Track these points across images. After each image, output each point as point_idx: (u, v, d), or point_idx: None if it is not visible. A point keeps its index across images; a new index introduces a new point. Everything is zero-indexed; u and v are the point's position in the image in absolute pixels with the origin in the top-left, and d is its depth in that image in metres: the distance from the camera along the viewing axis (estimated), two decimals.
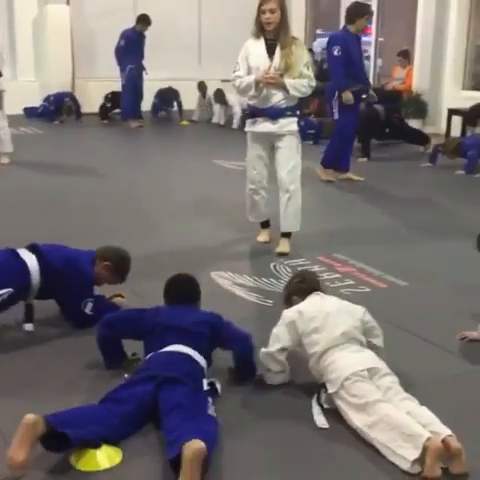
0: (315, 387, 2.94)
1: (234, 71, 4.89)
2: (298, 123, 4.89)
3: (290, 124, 4.85)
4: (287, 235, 5.05)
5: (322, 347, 2.89)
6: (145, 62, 11.24)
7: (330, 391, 2.81)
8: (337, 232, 5.59)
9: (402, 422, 2.55)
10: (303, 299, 3.13)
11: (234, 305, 3.96)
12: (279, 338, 2.99)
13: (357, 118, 7.43)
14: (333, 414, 2.81)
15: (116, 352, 3.17)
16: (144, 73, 11.23)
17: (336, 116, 7.27)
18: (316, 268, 4.60)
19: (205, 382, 2.83)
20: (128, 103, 11.28)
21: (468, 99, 9.78)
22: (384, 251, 5.09)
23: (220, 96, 11.48)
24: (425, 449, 2.44)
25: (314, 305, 3.05)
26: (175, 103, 12.15)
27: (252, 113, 4.94)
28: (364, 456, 2.58)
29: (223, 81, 12.46)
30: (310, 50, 13.21)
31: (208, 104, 12.12)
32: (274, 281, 4.43)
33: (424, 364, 3.27)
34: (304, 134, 5.63)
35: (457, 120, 9.98)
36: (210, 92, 11.89)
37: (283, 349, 3.00)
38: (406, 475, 2.45)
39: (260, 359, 3.06)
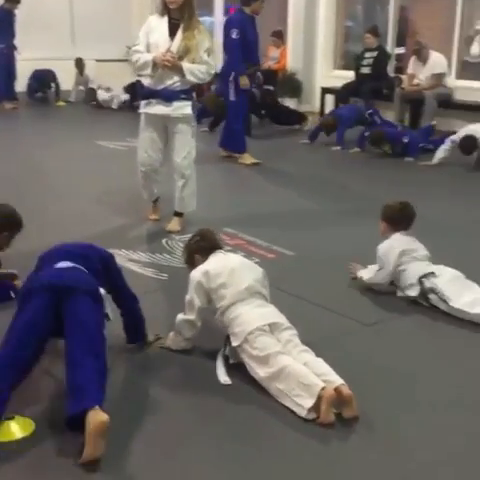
0: (217, 350, 3.13)
1: (133, 45, 4.89)
2: (192, 107, 4.91)
3: (184, 107, 4.85)
4: (179, 214, 5.16)
5: (228, 301, 3.05)
6: (16, 42, 10.96)
7: (234, 344, 2.99)
8: (227, 209, 5.77)
9: (300, 372, 2.78)
10: (205, 257, 3.25)
11: (131, 280, 3.99)
12: (193, 303, 3.13)
13: (250, 99, 7.60)
14: (235, 371, 3.01)
15: None
16: (16, 53, 10.97)
17: (232, 97, 7.33)
18: None
19: (101, 290, 2.90)
20: (1, 84, 10.98)
21: (340, 78, 10.28)
22: (272, 225, 5.31)
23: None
24: (320, 397, 2.67)
25: (218, 262, 3.18)
26: (52, 84, 11.94)
27: (146, 94, 4.92)
28: (265, 407, 2.79)
29: (98, 61, 12.39)
30: None
31: (85, 82, 12.04)
32: (167, 256, 4.58)
33: (313, 324, 3.50)
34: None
35: (330, 98, 10.43)
36: (88, 71, 11.83)
37: (200, 311, 3.12)
38: (303, 421, 2.68)
39: (176, 324, 3.19)
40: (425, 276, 3.75)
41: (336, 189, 6.55)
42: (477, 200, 6.20)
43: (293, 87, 10.70)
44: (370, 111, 8.42)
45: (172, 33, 4.74)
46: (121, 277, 3.23)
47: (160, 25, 4.78)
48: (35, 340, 2.68)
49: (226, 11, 13.10)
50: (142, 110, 4.98)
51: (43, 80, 11.94)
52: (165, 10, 4.74)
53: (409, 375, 3.11)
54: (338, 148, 8.25)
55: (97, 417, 2.39)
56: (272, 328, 3.00)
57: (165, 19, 4.77)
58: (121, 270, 3.26)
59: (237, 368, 3.03)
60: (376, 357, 3.28)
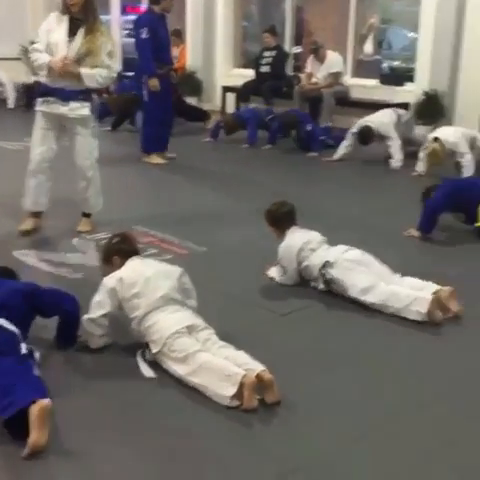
0: (137, 345, 3.16)
1: (34, 42, 4.81)
2: (91, 107, 4.84)
3: (82, 108, 4.78)
4: (87, 215, 5.12)
5: (143, 311, 3.09)
6: None
7: (154, 351, 3.03)
8: (139, 208, 5.76)
9: (220, 365, 2.86)
10: (123, 260, 3.29)
11: (44, 281, 4.00)
12: (101, 304, 3.15)
13: (169, 100, 7.44)
14: (157, 367, 3.05)
15: None
16: None
17: (146, 98, 7.26)
18: None
19: (23, 346, 2.84)
20: None
21: (240, 77, 10.43)
22: (184, 222, 5.36)
23: None
24: (242, 385, 2.76)
25: (134, 270, 3.22)
26: None
27: (43, 92, 4.81)
28: (189, 398, 2.86)
29: None
30: None
31: None
32: (79, 255, 4.56)
33: (229, 316, 3.58)
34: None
35: (231, 97, 10.58)
36: None
37: (105, 315, 3.16)
38: (227, 409, 2.77)
39: (83, 325, 3.20)
40: (323, 267, 3.90)
41: (246, 186, 6.67)
42: (373, 193, 6.49)
43: (193, 86, 10.78)
44: (271, 116, 8.57)
45: (72, 33, 4.64)
46: (51, 297, 3.21)
47: (61, 24, 4.66)
48: None
49: (123, 10, 13.04)
50: (38, 108, 4.84)
51: None
52: (66, 9, 4.65)
53: (325, 359, 3.26)
54: (246, 145, 8.38)
55: (41, 403, 2.44)
56: (190, 330, 3.06)
57: (66, 18, 4.66)
58: (47, 291, 3.23)
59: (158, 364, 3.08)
60: (292, 344, 3.41)
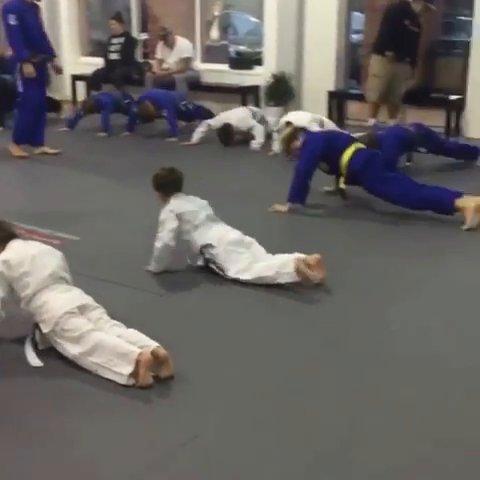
0: (23, 335, 3.16)
1: None
2: None
3: None
4: None
5: (32, 289, 3.08)
6: None
7: (45, 331, 3.04)
8: (12, 202, 5.55)
9: (115, 344, 2.92)
10: (3, 244, 3.23)
11: None
12: None
13: (43, 89, 7.26)
14: (46, 355, 3.06)
15: None
16: None
17: (21, 89, 6.98)
18: None
19: None
20: None
21: (89, 65, 10.29)
22: (54, 213, 5.29)
23: None
24: (138, 362, 2.83)
25: (18, 251, 3.18)
26: None
27: None
28: (84, 381, 2.90)
29: None
30: None
31: None
32: None
33: (113, 300, 3.54)
34: None
35: (81, 85, 10.42)
36: None
37: (2, 303, 3.10)
38: (124, 388, 2.83)
39: None
40: (205, 247, 4.02)
41: (111, 173, 6.63)
42: (228, 172, 6.69)
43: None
44: (128, 100, 8.54)
45: None
46: None
47: None
48: None
49: None
50: None
51: None
52: None
53: (208, 333, 3.40)
54: (104, 134, 8.30)
55: None
56: (81, 310, 3.08)
57: None
58: None
59: (47, 353, 3.09)
60: (173, 321, 3.51)
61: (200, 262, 4.08)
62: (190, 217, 4.04)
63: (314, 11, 8.71)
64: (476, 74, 8.02)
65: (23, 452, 2.47)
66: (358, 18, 10.13)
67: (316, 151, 5.17)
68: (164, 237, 3.99)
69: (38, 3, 7.06)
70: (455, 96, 8.32)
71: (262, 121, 7.89)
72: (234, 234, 4.07)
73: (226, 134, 7.61)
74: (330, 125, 7.19)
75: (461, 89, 8.36)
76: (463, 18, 10.19)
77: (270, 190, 5.67)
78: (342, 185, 5.26)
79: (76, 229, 4.86)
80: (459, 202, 4.90)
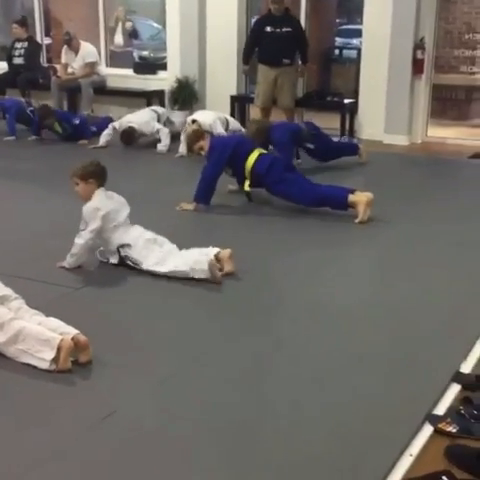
0: None
1: None
2: None
3: None
4: None
5: None
6: None
7: None
8: None
9: (36, 331, 3.11)
10: None
11: None
12: None
13: None
14: None
15: None
16: None
17: None
18: None
19: None
20: None
21: None
22: None
23: None
24: (59, 348, 3.04)
25: None
26: None
27: None
28: (8, 368, 3.09)
29: None
30: None
31: None
32: None
33: (29, 295, 3.57)
34: None
35: None
36: None
37: None
38: (46, 373, 3.04)
39: None
40: (122, 246, 4.24)
41: (19, 174, 6.77)
42: (135, 173, 6.94)
43: None
44: (31, 109, 8.56)
45: None
46: None
47: None
48: None
49: None
50: None
51: None
52: None
53: (123, 323, 3.65)
54: (12, 138, 8.35)
55: None
56: (1, 300, 3.26)
57: None
58: None
59: None
60: (90, 312, 3.73)
61: (114, 260, 4.29)
62: (113, 216, 4.22)
63: (215, 17, 9.07)
64: (367, 79, 8.60)
65: None
66: None
67: (223, 157, 5.48)
68: (86, 235, 4.18)
69: None
70: (349, 100, 8.86)
71: (168, 122, 8.17)
72: (149, 233, 4.30)
73: (127, 137, 7.83)
74: (234, 124, 7.57)
75: (354, 93, 8.94)
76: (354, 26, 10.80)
77: (176, 190, 5.95)
78: (247, 188, 5.60)
79: None
80: (352, 197, 5.33)
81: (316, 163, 7.02)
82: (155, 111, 8.23)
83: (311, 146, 6.85)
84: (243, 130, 7.54)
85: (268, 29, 8.15)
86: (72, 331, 3.15)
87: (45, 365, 3.06)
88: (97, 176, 4.30)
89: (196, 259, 4.10)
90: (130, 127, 7.82)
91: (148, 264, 4.18)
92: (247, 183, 5.59)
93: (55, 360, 3.05)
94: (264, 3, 11.53)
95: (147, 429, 2.70)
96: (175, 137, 7.73)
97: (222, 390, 3.00)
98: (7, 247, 4.67)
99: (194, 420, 2.76)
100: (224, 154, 5.49)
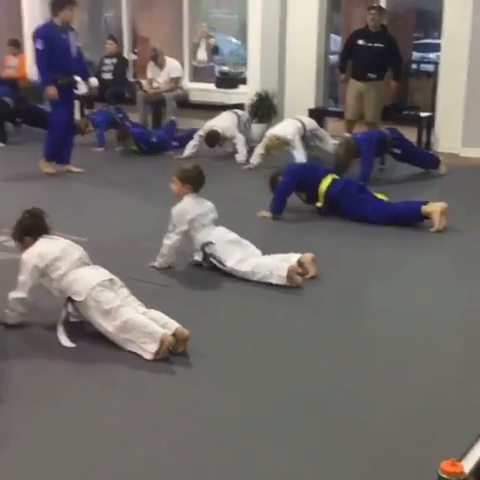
0: (52, 322, 3.64)
1: None
2: None
3: None
4: None
5: (64, 270, 3.55)
6: None
7: (78, 299, 3.48)
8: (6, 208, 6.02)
9: (142, 323, 3.41)
10: (34, 238, 3.68)
11: None
12: (26, 283, 3.60)
13: (70, 109, 7.59)
14: (77, 337, 3.57)
15: None
16: None
17: (49, 109, 7.40)
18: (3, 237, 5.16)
19: None
20: None
21: (80, 84, 10.76)
22: (58, 215, 5.75)
23: None
24: (162, 341, 3.33)
25: (47, 245, 3.65)
26: None
27: None
28: (111, 358, 3.40)
29: None
30: None
31: None
32: None
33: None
34: None
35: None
36: None
37: (31, 290, 3.60)
38: (146, 362, 3.34)
39: (9, 302, 3.64)
40: (206, 244, 4.54)
41: (112, 183, 7.20)
42: (228, 183, 7.26)
43: (38, 94, 10.96)
44: (120, 115, 9.08)
45: None
46: None
47: None
48: None
49: None
50: None
51: None
52: None
53: (211, 318, 3.95)
54: (101, 149, 8.83)
55: None
56: (111, 283, 3.56)
57: None
58: None
59: (76, 336, 3.56)
60: (178, 308, 3.94)
61: (198, 257, 4.57)
62: (199, 220, 4.50)
63: (295, 33, 9.35)
64: (444, 93, 8.71)
65: (61, 428, 2.92)
66: (336, 41, 10.81)
67: (294, 180, 5.83)
68: (173, 237, 4.49)
69: (72, 26, 7.30)
70: (426, 113, 8.98)
71: (247, 124, 8.57)
72: (232, 234, 4.59)
73: (211, 139, 8.16)
74: (310, 124, 7.87)
75: (431, 107, 9.05)
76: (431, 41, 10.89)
77: (255, 198, 6.25)
78: (319, 204, 5.87)
79: (84, 232, 5.34)
80: (425, 208, 5.50)
81: (396, 173, 7.23)
82: (236, 113, 8.55)
83: (398, 151, 7.15)
84: (320, 129, 7.99)
85: (360, 42, 8.32)
86: (174, 324, 3.44)
87: (148, 356, 3.35)
88: (194, 182, 4.58)
89: (277, 265, 4.34)
90: (214, 130, 8.15)
91: (231, 262, 4.43)
92: (319, 204, 5.87)
93: (157, 352, 3.35)
94: (344, 21, 11.83)
95: (230, 419, 2.94)
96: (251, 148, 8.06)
97: (305, 387, 3.23)
98: (104, 248, 4.97)
99: (273, 412, 3.01)
100: (295, 177, 5.84)
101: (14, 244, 3.92)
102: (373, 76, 8.27)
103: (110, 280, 3.58)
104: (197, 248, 4.57)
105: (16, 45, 11.30)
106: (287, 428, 2.84)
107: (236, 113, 8.57)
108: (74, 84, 7.48)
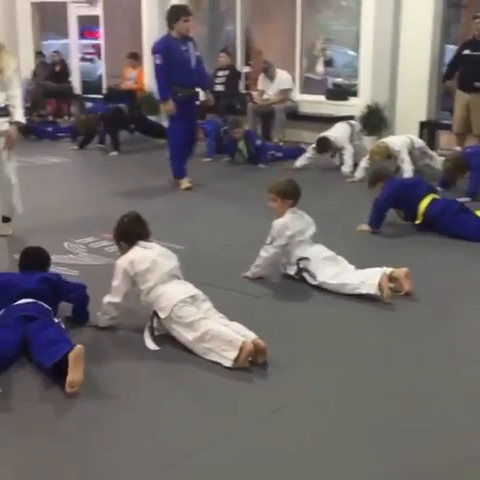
0: (140, 325, 3.76)
1: None
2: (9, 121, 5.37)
3: (3, 124, 5.36)
4: (8, 219, 5.66)
5: (152, 283, 3.66)
6: None
7: (162, 316, 3.60)
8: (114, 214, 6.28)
9: (222, 332, 3.45)
10: (129, 245, 3.80)
11: None
12: (119, 288, 3.73)
13: (189, 123, 7.35)
14: (162, 341, 3.65)
15: None
16: None
17: (165, 124, 7.62)
18: (104, 243, 5.35)
19: (56, 319, 3.62)
20: None
21: None
22: (161, 224, 5.94)
23: None
24: (241, 349, 3.36)
25: (141, 253, 3.76)
26: None
27: None
28: (192, 363, 3.45)
29: None
30: (40, 53, 13.63)
31: None
32: (72, 256, 5.14)
33: (215, 300, 3.96)
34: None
35: None
36: None
37: (125, 295, 3.73)
38: (225, 369, 3.37)
39: (103, 306, 3.78)
40: (301, 259, 4.52)
41: (216, 193, 7.31)
42: (331, 196, 7.22)
43: (153, 105, 11.36)
44: (225, 128, 9.20)
45: None
46: (65, 284, 3.86)
47: None
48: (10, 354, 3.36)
49: (81, 34, 13.57)
50: None
51: None
52: None
53: (298, 330, 3.93)
54: (209, 159, 9.01)
55: (75, 349, 3.12)
56: (193, 300, 3.64)
57: None
58: (61, 276, 3.92)
59: (161, 340, 3.65)
60: (269, 319, 4.05)
61: (291, 271, 4.57)
62: (299, 235, 4.50)
63: (408, 44, 9.19)
64: None
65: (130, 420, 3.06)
66: (451, 51, 10.48)
67: (393, 194, 5.70)
68: (271, 250, 4.50)
69: (190, 36, 7.20)
70: None
71: (360, 135, 8.53)
72: (328, 252, 4.55)
73: (321, 145, 8.16)
74: (418, 142, 7.67)
75: None
76: None
77: (355, 212, 6.19)
78: (418, 222, 5.73)
79: (183, 240, 5.47)
80: None
81: None
82: (349, 124, 8.54)
83: None
84: (429, 150, 7.79)
85: (466, 52, 8.14)
86: (252, 335, 3.46)
87: (228, 363, 3.38)
88: (293, 196, 4.59)
89: (368, 275, 4.28)
90: (325, 137, 8.16)
91: (322, 277, 4.40)
92: (417, 221, 5.74)
93: (236, 359, 3.37)
94: (464, 31, 11.46)
95: (313, 427, 2.94)
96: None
97: (377, 401, 3.16)
98: (199, 257, 5.12)
99: (354, 422, 2.97)
100: (394, 192, 5.71)
101: (116, 249, 4.07)
102: (479, 85, 8.03)
103: (192, 296, 3.65)
104: (293, 262, 4.56)
105: (135, 58, 11.73)
106: (369, 446, 2.78)
107: (350, 123, 8.56)
108: (195, 96, 7.39)
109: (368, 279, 4.24)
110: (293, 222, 4.53)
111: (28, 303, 3.60)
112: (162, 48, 7.05)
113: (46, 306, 3.61)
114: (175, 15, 7.01)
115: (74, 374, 3.09)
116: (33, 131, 10.50)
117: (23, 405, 3.09)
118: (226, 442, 2.81)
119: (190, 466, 2.66)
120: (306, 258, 4.50)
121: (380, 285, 4.19)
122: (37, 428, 2.92)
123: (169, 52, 6.98)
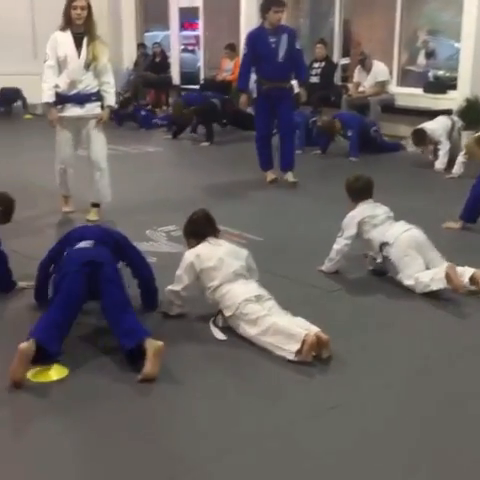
0: (208, 314, 3.78)
1: (45, 61, 5.54)
2: (101, 106, 5.65)
3: (96, 108, 5.64)
4: (97, 205, 5.83)
5: (218, 282, 3.67)
6: None
7: (227, 314, 3.62)
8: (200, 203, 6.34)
9: (285, 326, 3.44)
10: (198, 241, 3.85)
11: None
12: (182, 279, 3.77)
13: (270, 119, 7.27)
14: (227, 331, 3.66)
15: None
16: None
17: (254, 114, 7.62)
18: None
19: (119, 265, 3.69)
20: None
21: None
22: (243, 215, 6.01)
23: None
24: (303, 342, 3.33)
25: (208, 250, 3.78)
26: (19, 100, 12.49)
27: (60, 100, 5.58)
28: (257, 354, 3.46)
29: None
30: (142, 45, 13.95)
31: None
32: (154, 243, 5.23)
33: (286, 293, 4.04)
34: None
35: None
36: None
37: (184, 288, 3.77)
38: (288, 362, 3.35)
39: (166, 294, 3.84)
40: (383, 245, 4.35)
41: (303, 186, 7.25)
42: (416, 190, 7.01)
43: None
44: (313, 119, 9.17)
45: (77, 45, 5.47)
46: (135, 252, 3.90)
47: (66, 39, 5.48)
48: (75, 305, 3.39)
49: (181, 26, 13.78)
50: (59, 114, 5.61)
51: (6, 97, 12.49)
52: (68, 26, 5.48)
53: (367, 327, 3.85)
54: (299, 152, 8.71)
55: (155, 343, 3.15)
56: (257, 298, 3.62)
57: (69, 33, 5.48)
58: (135, 247, 3.95)
59: (228, 331, 3.66)
60: (339, 314, 3.99)
61: (379, 259, 4.41)
62: (369, 219, 4.41)
63: None
64: None
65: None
66: None
67: None
68: (342, 241, 4.44)
69: (288, 27, 7.13)
70: None
71: (458, 132, 8.23)
72: (412, 232, 4.33)
73: (416, 137, 8.02)
74: None
75: None
76: None
77: (444, 208, 5.97)
78: None
79: (264, 233, 5.49)
80: None
81: None
82: (451, 119, 8.29)
83: None
84: None
85: None
86: (315, 329, 3.41)
87: (290, 356, 3.36)
88: (356, 193, 4.52)
89: (436, 270, 4.14)
90: (421, 128, 7.96)
91: (403, 276, 4.25)
92: None
93: (299, 352, 3.34)
94: None
95: (367, 427, 2.87)
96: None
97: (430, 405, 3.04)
98: (276, 250, 5.11)
99: (410, 427, 2.87)
100: None
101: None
102: None
103: (257, 295, 3.64)
104: (377, 250, 4.42)
105: (232, 49, 11.76)
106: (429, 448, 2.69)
107: (451, 119, 8.32)
108: (283, 90, 6.99)
109: (437, 274, 4.09)
110: (362, 211, 4.45)
111: (88, 248, 3.62)
112: (249, 39, 7.03)
113: (108, 251, 3.64)
114: (267, 5, 6.87)
115: (153, 367, 3.14)
116: (135, 119, 10.97)
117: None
118: (277, 434, 2.80)
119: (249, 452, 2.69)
120: (386, 243, 4.32)
121: (447, 275, 4.01)
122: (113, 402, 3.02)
123: (255, 43, 6.92)
